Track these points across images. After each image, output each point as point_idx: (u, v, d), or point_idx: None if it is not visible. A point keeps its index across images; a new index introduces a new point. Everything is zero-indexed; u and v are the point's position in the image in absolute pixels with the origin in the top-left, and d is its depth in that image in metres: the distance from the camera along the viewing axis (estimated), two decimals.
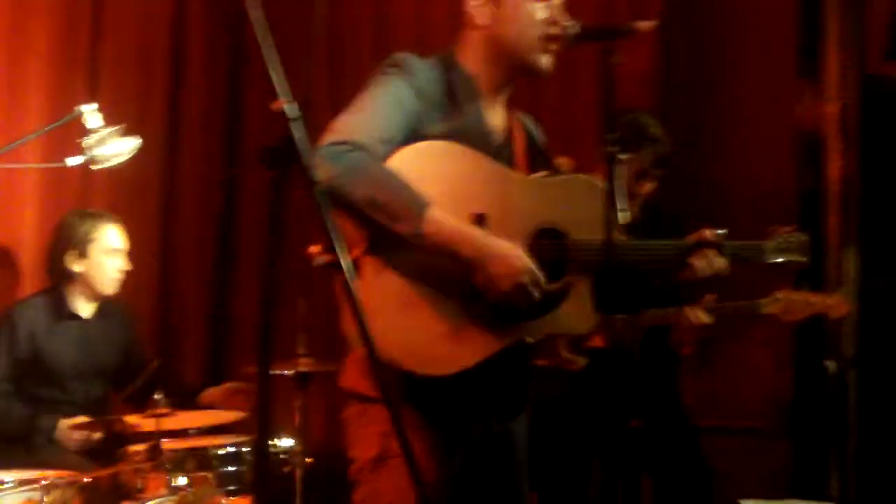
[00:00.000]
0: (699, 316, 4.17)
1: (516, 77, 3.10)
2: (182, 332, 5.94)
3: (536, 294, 2.81)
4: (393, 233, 2.70)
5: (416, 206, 2.71)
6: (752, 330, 5.20)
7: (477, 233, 2.80)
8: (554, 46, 3.00)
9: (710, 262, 3.07)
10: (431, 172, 2.81)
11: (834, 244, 5.06)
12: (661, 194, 4.60)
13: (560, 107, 5.31)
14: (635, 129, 4.35)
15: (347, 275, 2.27)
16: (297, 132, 2.22)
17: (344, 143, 2.71)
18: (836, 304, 4.22)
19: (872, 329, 5.03)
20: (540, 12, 2.99)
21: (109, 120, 4.10)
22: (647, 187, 4.43)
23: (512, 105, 3.16)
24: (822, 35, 5.07)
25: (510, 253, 2.78)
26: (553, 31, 2.98)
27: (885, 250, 5.03)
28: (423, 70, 2.94)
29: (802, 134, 5.16)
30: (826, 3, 5.06)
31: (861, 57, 5.05)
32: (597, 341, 3.55)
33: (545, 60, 3.01)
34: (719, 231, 3.15)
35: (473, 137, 2.93)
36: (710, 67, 5.33)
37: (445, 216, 2.74)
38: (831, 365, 5.05)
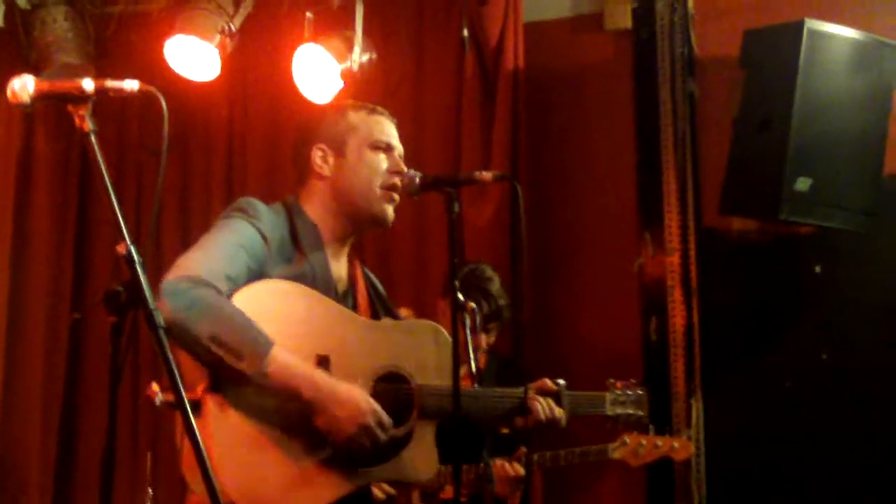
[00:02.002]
0: (515, 468, 4.20)
1: (361, 228, 3.14)
2: (25, 484, 5.69)
3: (382, 436, 2.80)
4: (233, 374, 2.66)
5: (259, 344, 2.68)
6: (603, 477, 5.26)
7: (320, 375, 2.79)
8: (396, 197, 3.06)
9: (547, 410, 3.12)
10: (275, 311, 2.80)
11: (680, 391, 5.17)
12: (507, 345, 4.68)
13: (413, 256, 5.37)
14: (474, 281, 4.44)
15: (189, 416, 2.21)
16: (140, 275, 2.20)
17: (187, 278, 2.68)
18: (682, 445, 4.31)
19: (720, 472, 5.13)
20: (382, 163, 3.05)
21: None
22: (485, 339, 4.48)
23: (357, 255, 3.20)
24: (662, 189, 5.26)
25: (353, 396, 2.78)
26: (395, 181, 3.04)
27: (729, 396, 5.15)
28: (268, 215, 2.95)
29: (646, 285, 5.30)
30: (664, 160, 5.26)
31: (698, 210, 5.24)
32: (450, 492, 3.55)
33: (388, 210, 3.07)
34: (560, 381, 3.22)
35: (317, 284, 2.94)
36: (555, 221, 5.46)
37: (289, 356, 2.73)
38: None
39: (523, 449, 4.14)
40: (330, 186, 3.06)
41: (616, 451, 4.27)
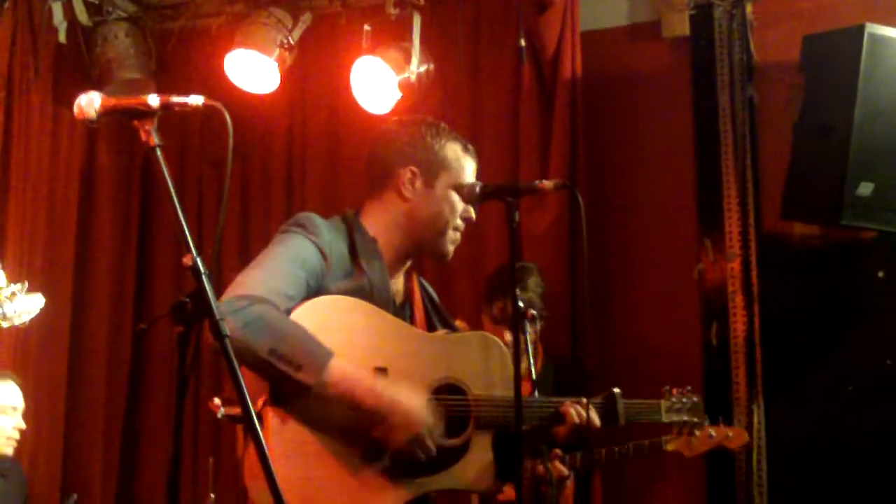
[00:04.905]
0: (559, 469, 4.19)
1: (419, 255, 3.17)
2: (89, 494, 5.77)
3: (431, 446, 2.81)
4: (294, 387, 2.68)
5: (318, 355, 2.70)
6: (663, 482, 5.24)
7: (379, 383, 2.81)
8: (459, 237, 3.10)
9: (583, 414, 3.11)
10: (333, 325, 2.81)
11: (741, 397, 5.14)
12: (566, 349, 4.69)
13: (471, 265, 5.38)
14: (498, 278, 4.45)
15: (254, 427, 2.24)
16: (206, 286, 2.23)
17: (245, 297, 2.70)
18: (737, 434, 4.30)
19: (782, 478, 5.09)
20: (460, 204, 3.08)
21: (14, 276, 4.05)
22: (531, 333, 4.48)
23: (415, 268, 3.22)
24: (722, 195, 5.24)
25: (411, 405, 2.80)
26: (463, 224, 3.08)
27: (791, 401, 5.12)
28: (327, 230, 2.97)
29: (706, 291, 5.28)
30: (723, 166, 5.25)
31: (758, 215, 5.22)
32: (508, 494, 3.55)
33: (451, 249, 3.11)
34: (615, 389, 3.22)
35: (375, 297, 2.95)
36: (614, 228, 5.45)
37: (349, 366, 2.75)
38: None
39: (557, 451, 4.13)
40: (408, 209, 3.07)
41: (670, 444, 4.26)
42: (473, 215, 3.11)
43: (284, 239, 2.93)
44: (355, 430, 2.79)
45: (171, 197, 2.30)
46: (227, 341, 2.24)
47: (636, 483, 5.28)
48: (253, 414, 2.22)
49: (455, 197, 3.07)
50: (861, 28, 4.54)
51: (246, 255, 5.48)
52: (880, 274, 5.10)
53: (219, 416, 3.35)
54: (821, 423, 5.03)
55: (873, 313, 5.11)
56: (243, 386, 2.22)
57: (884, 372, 5.02)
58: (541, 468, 3.75)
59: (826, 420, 5.02)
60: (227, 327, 2.31)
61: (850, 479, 4.96)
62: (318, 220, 2.99)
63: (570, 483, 4.23)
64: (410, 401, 2.81)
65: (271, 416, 2.74)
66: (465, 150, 3.14)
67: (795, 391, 5.12)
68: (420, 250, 3.14)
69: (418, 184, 3.07)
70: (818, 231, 5.17)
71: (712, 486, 5.14)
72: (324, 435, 2.77)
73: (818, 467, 5.02)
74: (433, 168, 3.07)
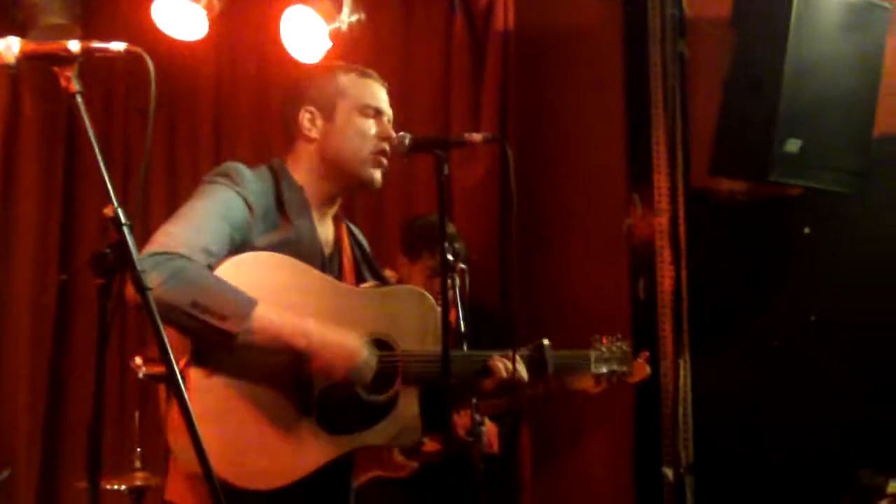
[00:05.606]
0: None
1: (348, 191, 3.13)
2: (13, 445, 5.70)
3: (368, 377, 2.80)
4: (220, 339, 2.64)
5: (242, 304, 2.66)
6: (590, 438, 5.29)
7: (310, 322, 2.76)
8: (385, 161, 3.04)
9: (509, 369, 3.12)
10: (256, 283, 2.75)
11: (668, 351, 5.19)
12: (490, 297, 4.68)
13: (401, 216, 5.35)
14: (431, 231, 4.42)
15: (178, 386, 2.21)
16: (128, 238, 2.19)
17: (164, 253, 2.64)
18: (638, 368, 4.23)
19: (707, 432, 5.16)
20: (371, 128, 3.03)
21: None
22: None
23: (344, 216, 3.18)
24: (651, 151, 5.26)
25: (346, 339, 2.78)
26: (383, 146, 3.02)
27: (717, 356, 5.18)
28: (253, 180, 2.91)
29: (635, 246, 5.31)
30: (653, 121, 5.27)
31: (687, 171, 5.25)
32: (431, 446, 3.55)
33: (376, 175, 3.05)
34: (544, 341, 3.23)
35: (303, 249, 2.91)
36: (544, 182, 5.45)
37: (275, 310, 2.71)
38: (669, 472, 5.15)
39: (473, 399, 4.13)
40: (317, 150, 3.03)
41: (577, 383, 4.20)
42: (391, 133, 3.04)
43: (208, 190, 2.86)
44: (282, 382, 2.76)
45: (91, 145, 2.25)
46: (149, 294, 2.20)
47: (563, 437, 5.33)
48: (176, 370, 2.19)
49: (361, 121, 3.03)
50: None
51: (173, 205, 5.34)
52: (806, 230, 5.17)
53: (139, 375, 3.29)
54: (746, 377, 5.10)
55: (799, 269, 5.17)
56: (166, 341, 2.19)
57: (809, 326, 5.09)
58: (463, 419, 3.78)
59: (751, 374, 5.09)
60: (148, 283, 2.26)
61: (774, 433, 5.04)
62: (243, 169, 2.93)
63: (488, 428, 4.24)
64: (345, 338, 2.79)
65: (194, 376, 2.69)
66: (363, 74, 3.10)
67: (721, 346, 5.18)
68: (346, 187, 3.09)
69: (318, 122, 3.03)
70: (746, 187, 5.21)
71: (639, 439, 5.21)
72: (248, 392, 2.74)
73: (743, 421, 5.09)
74: (327, 101, 3.04)
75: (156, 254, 2.64)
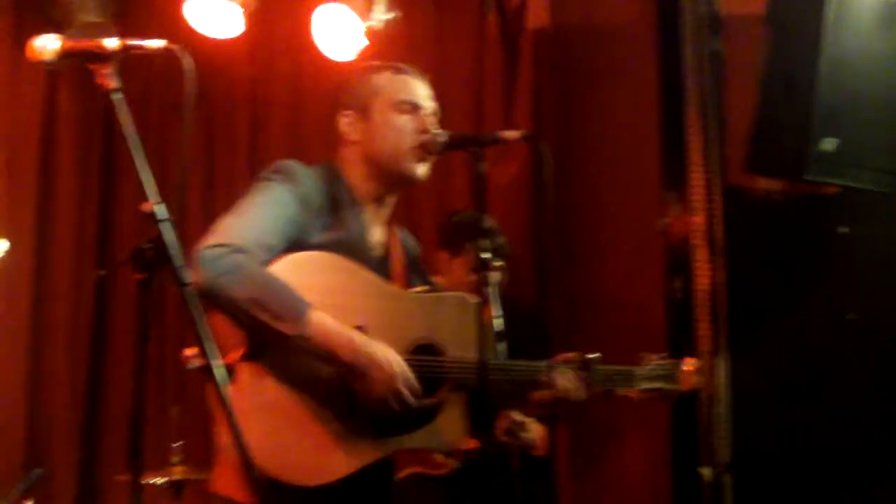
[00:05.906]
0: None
1: (395, 188, 3.14)
2: (51, 440, 5.75)
3: (412, 401, 2.81)
4: (273, 337, 2.67)
5: (298, 306, 2.70)
6: (627, 440, 5.28)
7: (358, 337, 2.79)
8: (426, 155, 3.05)
9: (571, 383, 3.10)
10: (310, 283, 2.79)
11: (705, 351, 5.16)
12: (530, 301, 4.68)
13: (436, 214, 5.36)
14: (470, 227, 4.39)
15: (219, 380, 2.24)
16: (167, 234, 2.21)
17: (223, 245, 2.69)
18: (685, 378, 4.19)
19: (746, 435, 5.13)
20: (409, 123, 3.03)
21: None
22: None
23: (391, 218, 3.19)
24: (686, 149, 5.23)
25: (389, 359, 2.80)
26: (423, 139, 3.02)
27: (754, 356, 5.14)
28: (308, 178, 2.95)
29: (671, 245, 5.29)
30: (688, 119, 5.23)
31: (723, 170, 5.22)
32: (470, 444, 3.55)
33: (420, 169, 3.06)
34: (593, 355, 3.19)
35: (354, 249, 2.94)
36: (579, 180, 5.44)
37: (327, 318, 2.74)
38: (707, 471, 5.12)
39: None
40: (360, 151, 3.06)
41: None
42: (428, 127, 3.05)
43: (265, 188, 2.90)
44: (331, 386, 2.79)
45: (129, 142, 2.27)
46: (188, 290, 2.22)
47: (600, 437, 5.31)
48: (213, 365, 2.21)
49: (397, 117, 3.05)
50: None
51: (210, 201, 5.45)
52: (843, 230, 5.13)
53: (189, 367, 3.32)
54: (784, 376, 5.06)
55: (836, 268, 5.13)
56: (204, 335, 2.21)
57: (846, 327, 5.05)
58: (501, 420, 3.78)
59: (789, 373, 5.05)
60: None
61: (814, 434, 5.00)
62: (299, 168, 2.96)
63: (537, 431, 4.23)
64: (387, 355, 2.81)
65: (245, 371, 2.74)
66: (397, 71, 3.13)
67: (759, 346, 5.15)
68: (392, 184, 3.11)
69: (357, 124, 3.07)
70: (782, 186, 5.18)
71: (677, 440, 5.18)
72: (298, 391, 2.78)
73: (782, 422, 5.06)
74: (363, 102, 3.07)
75: (216, 245, 2.69)
